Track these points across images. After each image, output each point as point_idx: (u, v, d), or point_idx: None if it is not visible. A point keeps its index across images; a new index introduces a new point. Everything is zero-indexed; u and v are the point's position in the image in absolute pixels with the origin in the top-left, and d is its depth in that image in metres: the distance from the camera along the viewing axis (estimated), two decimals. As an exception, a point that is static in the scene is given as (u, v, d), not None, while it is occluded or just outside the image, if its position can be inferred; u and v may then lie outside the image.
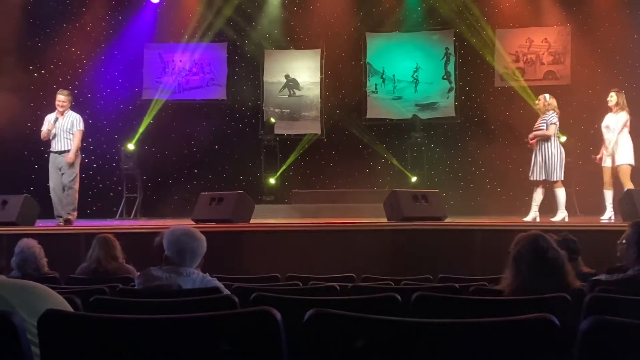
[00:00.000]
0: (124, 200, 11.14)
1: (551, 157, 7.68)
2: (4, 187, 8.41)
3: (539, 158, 7.76)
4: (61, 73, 11.42)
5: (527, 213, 7.97)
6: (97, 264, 4.72)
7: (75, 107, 8.63)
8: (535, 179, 7.83)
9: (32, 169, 9.42)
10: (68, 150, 8.12)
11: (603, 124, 7.90)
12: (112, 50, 12.09)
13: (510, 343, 1.65)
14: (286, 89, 12.83)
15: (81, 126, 8.25)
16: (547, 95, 8.02)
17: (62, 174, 8.11)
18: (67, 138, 8.17)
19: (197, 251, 3.28)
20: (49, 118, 8.20)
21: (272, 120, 12.27)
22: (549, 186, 7.84)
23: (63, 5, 11.82)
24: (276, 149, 12.19)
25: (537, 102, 8.14)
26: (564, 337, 1.65)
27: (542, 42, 12.11)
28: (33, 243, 4.59)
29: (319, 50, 12.66)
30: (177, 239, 3.27)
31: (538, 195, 7.86)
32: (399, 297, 2.68)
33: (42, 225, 7.84)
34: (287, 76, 12.81)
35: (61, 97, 8.23)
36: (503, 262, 3.24)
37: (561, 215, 7.74)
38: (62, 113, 8.18)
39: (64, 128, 8.17)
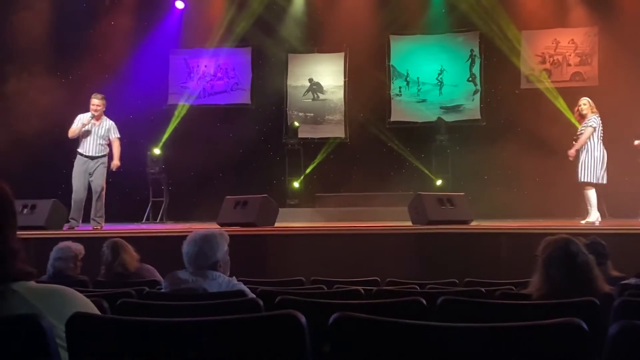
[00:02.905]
0: (150, 204, 11.26)
1: (593, 159, 7.64)
2: (33, 192, 8.51)
3: (586, 160, 7.70)
4: (88, 78, 11.56)
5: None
6: (121, 268, 4.76)
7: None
8: (584, 180, 7.77)
9: (60, 173, 9.53)
10: (102, 156, 8.11)
11: None
12: (138, 55, 12.23)
13: (537, 348, 1.63)
14: (310, 92, 12.85)
15: (118, 134, 8.24)
16: (589, 99, 7.93)
17: (92, 180, 8.11)
18: (100, 144, 8.09)
19: (212, 256, 3.28)
20: (82, 117, 8.08)
21: (296, 124, 12.30)
22: (581, 187, 7.78)
23: (90, 12, 12.00)
24: (300, 153, 12.21)
25: (583, 106, 7.88)
26: (592, 341, 1.62)
27: (568, 43, 11.96)
28: (73, 246, 4.66)
29: (342, 54, 12.67)
30: (195, 242, 3.29)
31: (593, 197, 7.76)
32: (424, 301, 2.67)
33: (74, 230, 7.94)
34: (310, 80, 12.84)
35: (95, 101, 8.10)
36: (530, 265, 3.20)
37: (595, 215, 7.68)
38: (97, 118, 8.14)
39: (98, 134, 8.10)
